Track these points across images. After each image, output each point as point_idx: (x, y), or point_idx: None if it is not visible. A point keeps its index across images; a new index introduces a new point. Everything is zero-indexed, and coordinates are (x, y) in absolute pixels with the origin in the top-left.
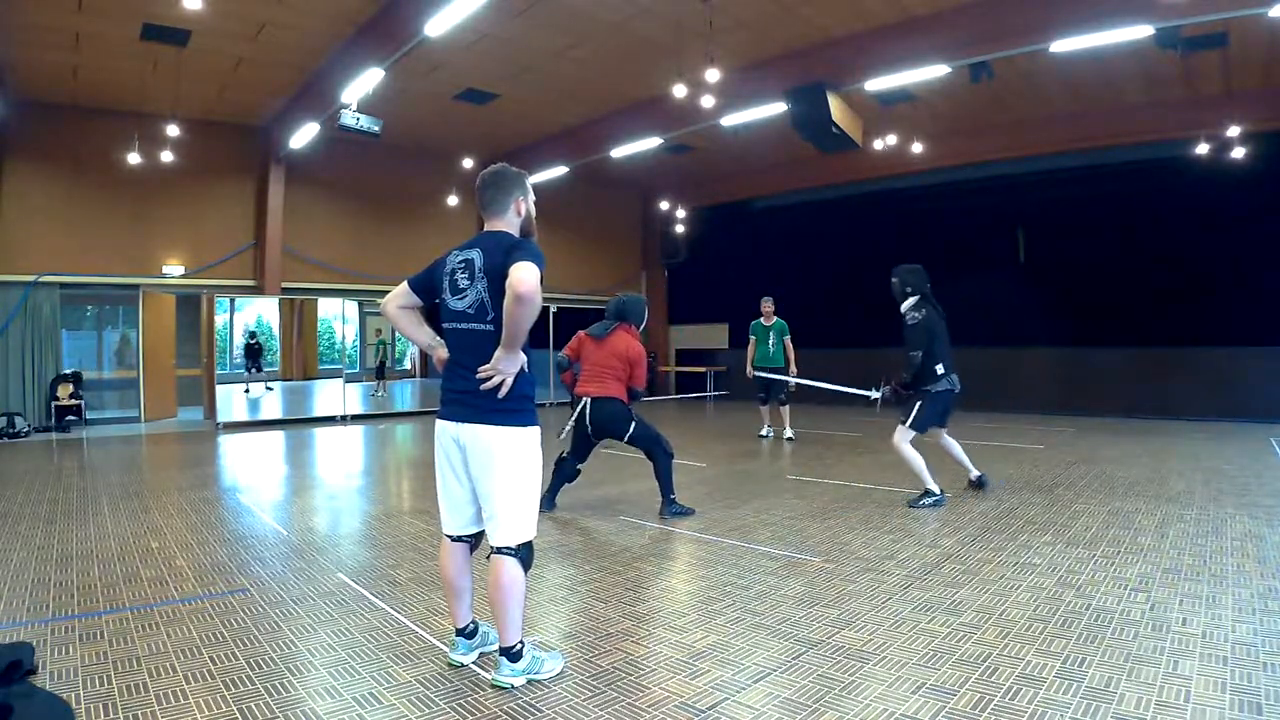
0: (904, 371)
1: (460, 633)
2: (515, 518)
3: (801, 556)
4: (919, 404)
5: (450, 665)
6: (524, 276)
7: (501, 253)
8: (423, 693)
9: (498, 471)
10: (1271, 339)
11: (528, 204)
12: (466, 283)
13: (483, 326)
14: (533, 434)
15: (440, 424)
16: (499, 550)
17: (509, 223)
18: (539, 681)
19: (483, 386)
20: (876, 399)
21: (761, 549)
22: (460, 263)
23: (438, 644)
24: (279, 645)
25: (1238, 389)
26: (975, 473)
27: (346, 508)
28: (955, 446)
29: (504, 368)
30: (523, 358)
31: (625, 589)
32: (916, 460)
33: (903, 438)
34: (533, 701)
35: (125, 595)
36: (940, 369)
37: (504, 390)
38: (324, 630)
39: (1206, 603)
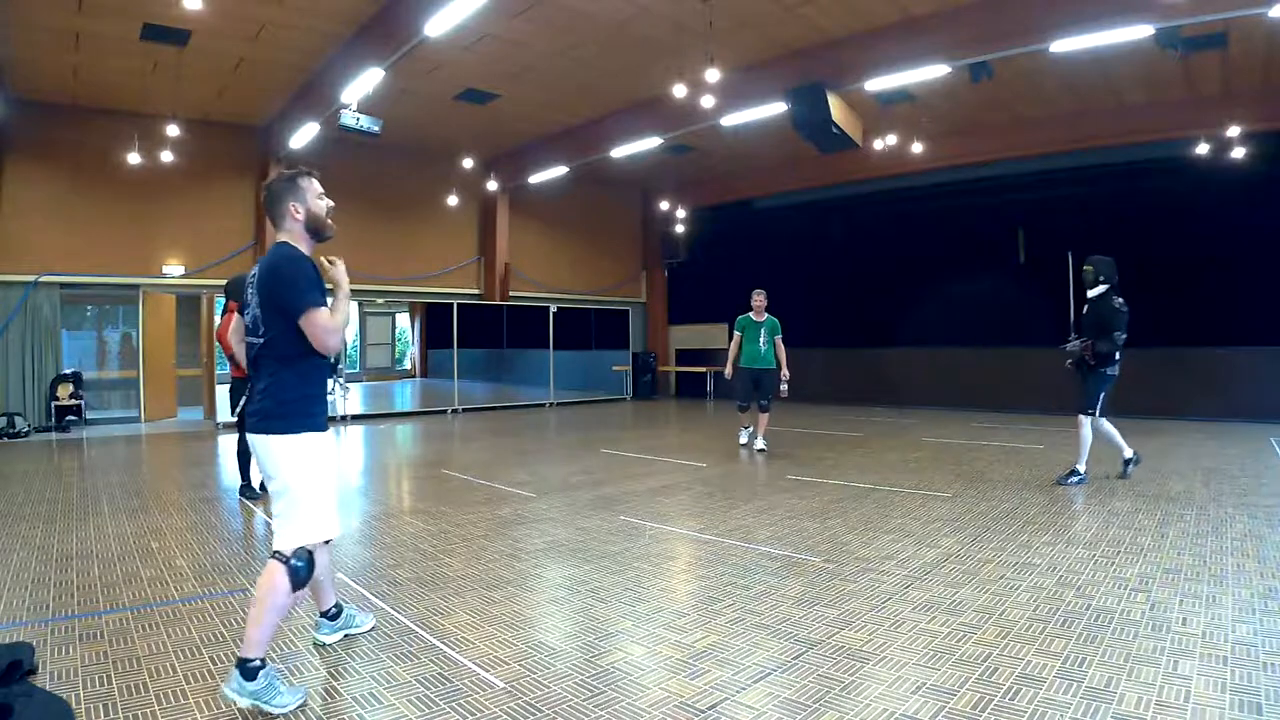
0: (1101, 345)
1: (325, 615)
2: None
3: (801, 556)
4: (1097, 389)
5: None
6: (327, 330)
7: (268, 272)
8: (423, 693)
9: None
10: (1271, 339)
11: (304, 205)
12: (251, 297)
13: (256, 340)
14: None
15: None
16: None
17: (289, 230)
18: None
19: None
20: (1068, 349)
21: (761, 549)
22: (251, 278)
23: (438, 644)
24: (279, 645)
25: (1238, 389)
26: (1129, 452)
27: (346, 508)
28: (1111, 429)
29: None
30: None
31: (625, 589)
32: (1088, 441)
33: (1086, 421)
34: (533, 702)
35: (125, 595)
36: (1119, 355)
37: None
38: None
39: (1206, 603)
